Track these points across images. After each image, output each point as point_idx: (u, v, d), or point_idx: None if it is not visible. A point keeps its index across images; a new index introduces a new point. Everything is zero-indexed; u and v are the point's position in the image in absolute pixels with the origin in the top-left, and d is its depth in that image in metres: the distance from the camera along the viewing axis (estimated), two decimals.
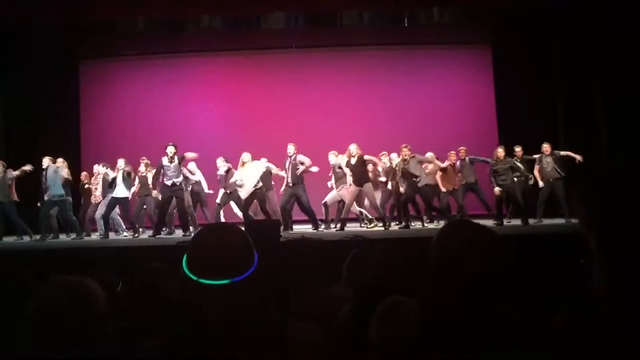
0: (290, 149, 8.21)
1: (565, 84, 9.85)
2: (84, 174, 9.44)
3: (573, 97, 9.66)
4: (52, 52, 10.42)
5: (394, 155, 8.60)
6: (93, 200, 8.96)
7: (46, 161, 8.22)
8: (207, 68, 11.51)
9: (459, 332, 1.23)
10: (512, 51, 10.43)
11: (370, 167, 8.45)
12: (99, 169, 8.79)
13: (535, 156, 8.31)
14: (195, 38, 11.00)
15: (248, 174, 8.07)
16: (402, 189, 8.16)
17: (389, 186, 8.57)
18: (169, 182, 7.87)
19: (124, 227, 8.76)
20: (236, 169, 8.33)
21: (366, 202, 8.50)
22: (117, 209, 8.53)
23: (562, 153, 8.21)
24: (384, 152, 8.95)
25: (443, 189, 8.52)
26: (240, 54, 11.52)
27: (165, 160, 7.90)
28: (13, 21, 9.10)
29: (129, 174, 8.16)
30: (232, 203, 8.57)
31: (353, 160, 7.99)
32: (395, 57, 11.40)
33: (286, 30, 10.86)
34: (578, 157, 7.99)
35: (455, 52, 11.41)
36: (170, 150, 7.89)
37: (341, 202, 8.48)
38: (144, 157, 8.72)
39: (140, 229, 8.73)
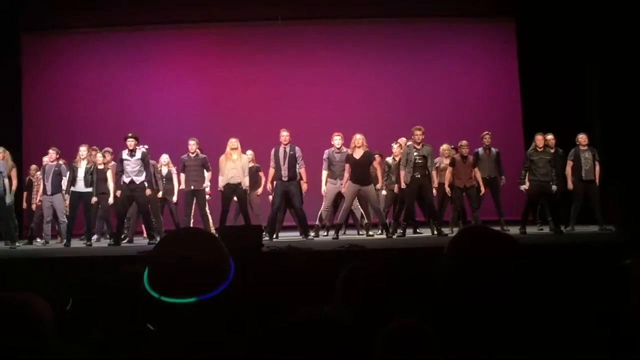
0: (285, 135, 8.00)
1: (600, 61, 9.77)
2: (33, 166, 9.20)
3: (609, 77, 9.56)
4: None
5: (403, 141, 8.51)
6: (35, 198, 8.79)
7: None
8: (175, 42, 11.43)
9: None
10: (539, 24, 10.48)
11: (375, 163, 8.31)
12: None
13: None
14: (160, 7, 10.91)
15: (235, 169, 7.93)
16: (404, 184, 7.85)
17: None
18: (127, 180, 7.79)
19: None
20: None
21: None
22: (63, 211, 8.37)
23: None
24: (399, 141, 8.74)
25: (456, 186, 8.29)
26: (214, 26, 11.50)
27: (124, 154, 7.83)
28: None
29: (92, 168, 8.09)
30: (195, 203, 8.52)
31: (357, 153, 7.75)
32: (402, 31, 11.41)
33: None
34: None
35: (472, 25, 11.45)
36: (131, 142, 7.81)
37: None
38: (108, 148, 8.59)
39: (96, 236, 8.70)
